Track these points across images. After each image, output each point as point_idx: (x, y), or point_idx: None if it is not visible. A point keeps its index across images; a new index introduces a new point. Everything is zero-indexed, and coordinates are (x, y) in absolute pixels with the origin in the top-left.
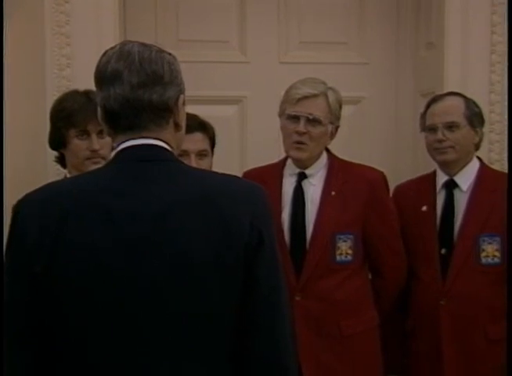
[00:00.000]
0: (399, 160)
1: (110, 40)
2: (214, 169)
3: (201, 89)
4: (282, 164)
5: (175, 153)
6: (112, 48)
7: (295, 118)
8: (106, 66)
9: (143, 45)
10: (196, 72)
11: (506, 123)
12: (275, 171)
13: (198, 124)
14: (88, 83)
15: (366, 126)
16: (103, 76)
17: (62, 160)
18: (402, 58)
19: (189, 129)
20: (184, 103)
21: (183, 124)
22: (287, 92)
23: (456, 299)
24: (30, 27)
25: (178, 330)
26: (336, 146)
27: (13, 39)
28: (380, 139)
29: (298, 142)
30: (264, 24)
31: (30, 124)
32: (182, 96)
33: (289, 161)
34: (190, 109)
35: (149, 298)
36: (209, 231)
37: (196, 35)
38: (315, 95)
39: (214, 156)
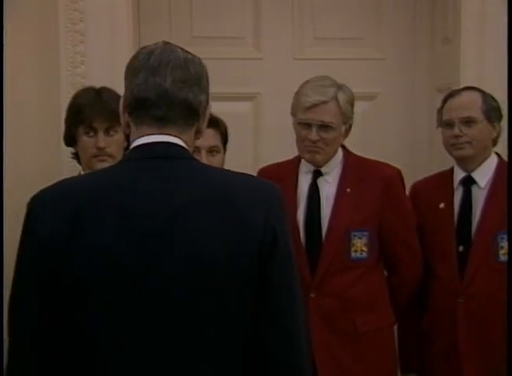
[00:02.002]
0: (415, 156)
1: (124, 37)
2: (227, 166)
3: (215, 86)
4: (297, 161)
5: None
6: (155, 44)
7: (306, 125)
8: (149, 56)
9: (182, 49)
10: (210, 69)
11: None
12: (290, 169)
13: (209, 120)
14: (101, 80)
15: (382, 122)
16: (143, 64)
17: (78, 157)
18: (418, 53)
19: None
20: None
21: (203, 131)
22: (298, 97)
23: (474, 297)
24: (44, 25)
25: (192, 329)
26: (351, 142)
27: (27, 37)
28: (396, 135)
29: (311, 147)
30: (278, 20)
31: (44, 121)
32: (209, 106)
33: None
34: None
35: (161, 297)
36: (223, 230)
37: (210, 32)
38: (325, 102)
39: (228, 152)
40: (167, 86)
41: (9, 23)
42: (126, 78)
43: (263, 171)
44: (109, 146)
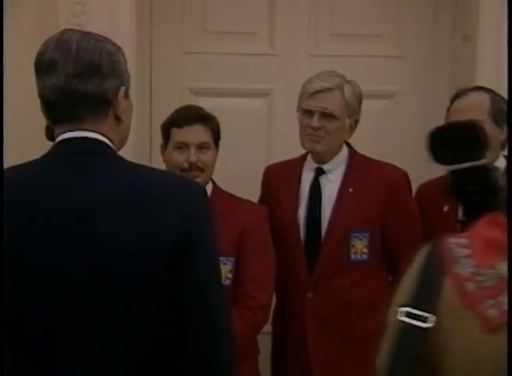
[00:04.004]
0: None
1: (127, 33)
2: (240, 162)
3: (228, 82)
4: (303, 159)
5: (117, 147)
6: (52, 37)
7: (309, 113)
8: (44, 54)
9: (83, 33)
10: (223, 64)
11: None
12: (295, 166)
13: (198, 116)
14: None
15: (400, 121)
16: (40, 65)
17: None
18: (439, 50)
19: (189, 121)
20: (127, 96)
21: (126, 117)
22: (303, 86)
23: None
24: (44, 19)
25: (100, 330)
26: (367, 142)
27: (26, 30)
28: (414, 135)
29: (312, 136)
30: (293, 16)
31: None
32: (123, 88)
33: (309, 156)
34: (217, 101)
35: (68, 298)
36: (134, 230)
37: (224, 27)
38: (329, 89)
39: (241, 148)
40: (62, 84)
41: (8, 18)
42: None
43: (269, 169)
44: None
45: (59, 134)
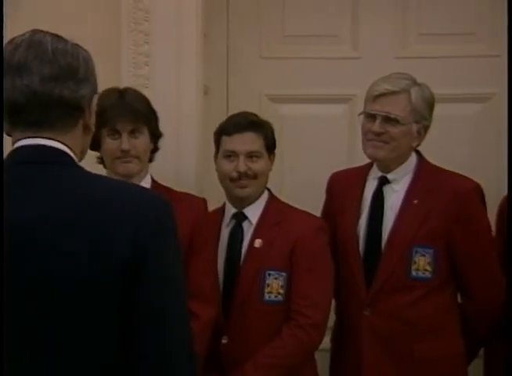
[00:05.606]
0: None
1: (192, 37)
2: (320, 167)
3: (307, 87)
4: (369, 166)
5: (78, 157)
6: (21, 36)
7: (372, 117)
8: (13, 53)
9: (56, 36)
10: (303, 69)
11: None
12: (360, 174)
13: (249, 123)
14: (165, 81)
15: (496, 127)
16: (8, 64)
17: (103, 161)
18: None
19: (239, 128)
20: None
21: (93, 127)
22: (368, 89)
23: None
24: (106, 25)
25: (48, 349)
26: (458, 149)
27: (87, 36)
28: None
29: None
30: (378, 15)
31: None
32: (95, 97)
33: (375, 164)
34: (295, 107)
35: (16, 314)
36: (82, 245)
37: (303, 30)
38: (394, 93)
39: (322, 154)
40: (36, 87)
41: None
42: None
43: (334, 176)
44: (135, 147)
45: (17, 140)
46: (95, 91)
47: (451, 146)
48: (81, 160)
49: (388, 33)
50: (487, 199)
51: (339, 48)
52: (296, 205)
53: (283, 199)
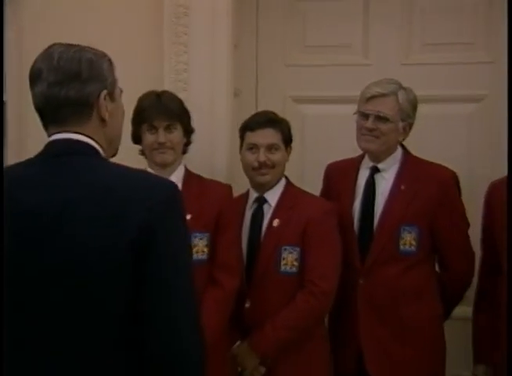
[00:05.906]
0: None
1: (224, 47)
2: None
3: (325, 90)
4: (361, 158)
5: (106, 147)
6: (42, 52)
7: (365, 116)
8: (33, 66)
9: (68, 45)
10: (321, 74)
11: None
12: (353, 164)
13: (268, 120)
14: (201, 85)
15: (490, 124)
16: (30, 76)
17: (144, 153)
18: None
19: (260, 125)
20: (112, 99)
21: (112, 119)
22: (361, 92)
23: None
24: (152, 38)
25: (67, 325)
26: (457, 146)
27: (136, 49)
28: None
29: (368, 136)
30: (386, 26)
31: None
32: (104, 92)
33: (366, 156)
34: (316, 108)
35: (39, 292)
36: (98, 227)
37: (321, 41)
38: (384, 95)
39: (337, 148)
40: (46, 92)
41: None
42: None
43: (330, 166)
44: (170, 141)
45: (50, 135)
46: (106, 86)
47: (450, 139)
48: (113, 151)
49: (395, 43)
50: (479, 192)
51: (352, 56)
52: (315, 193)
53: (304, 186)
